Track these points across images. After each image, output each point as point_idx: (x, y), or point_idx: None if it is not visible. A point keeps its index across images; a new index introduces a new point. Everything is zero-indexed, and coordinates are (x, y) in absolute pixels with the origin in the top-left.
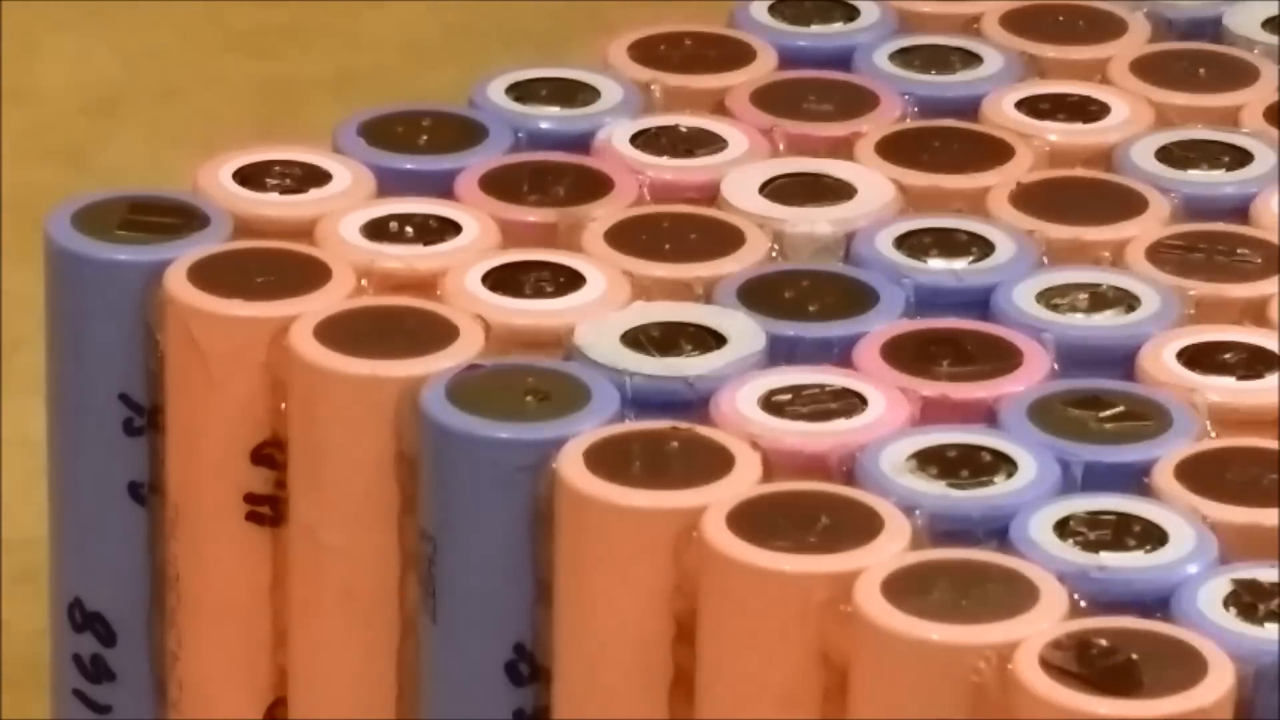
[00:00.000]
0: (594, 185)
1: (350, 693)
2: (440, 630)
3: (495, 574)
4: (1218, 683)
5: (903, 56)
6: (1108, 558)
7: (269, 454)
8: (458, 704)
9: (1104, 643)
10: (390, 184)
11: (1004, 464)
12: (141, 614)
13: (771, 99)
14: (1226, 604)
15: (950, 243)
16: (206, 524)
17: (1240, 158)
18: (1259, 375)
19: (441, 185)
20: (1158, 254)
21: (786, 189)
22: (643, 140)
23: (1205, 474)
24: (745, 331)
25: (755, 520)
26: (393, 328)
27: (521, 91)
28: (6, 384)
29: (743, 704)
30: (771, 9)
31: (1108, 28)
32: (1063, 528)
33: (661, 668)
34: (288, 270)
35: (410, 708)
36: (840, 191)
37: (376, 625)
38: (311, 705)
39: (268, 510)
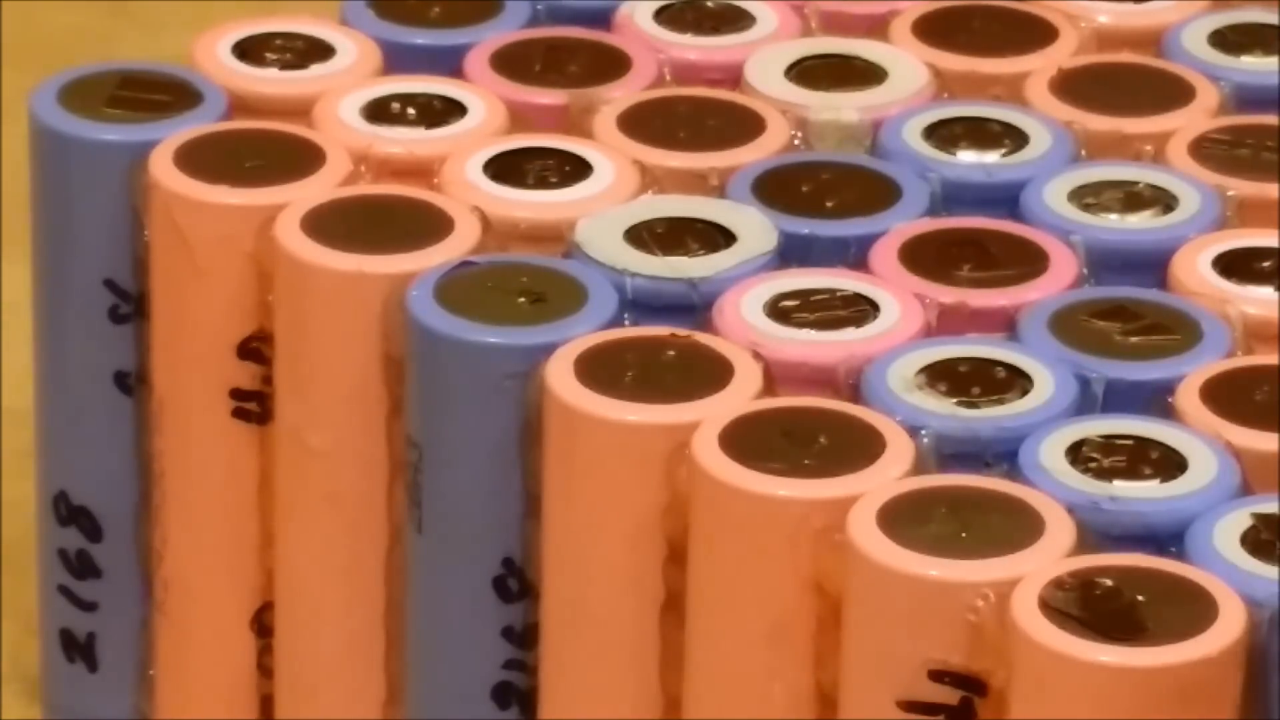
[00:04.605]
0: (611, 64)
1: (336, 601)
2: (426, 542)
3: (483, 485)
4: (1227, 628)
5: None
6: (1121, 487)
7: (256, 348)
8: (444, 619)
9: (1108, 583)
10: (398, 60)
11: (1019, 380)
12: (129, 509)
13: None
14: (1243, 541)
15: (982, 134)
16: (192, 419)
17: None
18: None
19: (451, 62)
20: (1201, 149)
21: (814, 72)
22: (667, 16)
23: (1233, 395)
24: (756, 229)
25: (750, 439)
26: (385, 219)
27: None
28: (6, 382)
29: (732, 633)
30: None
31: None
32: (1075, 452)
33: (652, 590)
34: (280, 153)
35: (398, 619)
36: (870, 75)
37: (363, 533)
38: (297, 613)
39: (255, 407)
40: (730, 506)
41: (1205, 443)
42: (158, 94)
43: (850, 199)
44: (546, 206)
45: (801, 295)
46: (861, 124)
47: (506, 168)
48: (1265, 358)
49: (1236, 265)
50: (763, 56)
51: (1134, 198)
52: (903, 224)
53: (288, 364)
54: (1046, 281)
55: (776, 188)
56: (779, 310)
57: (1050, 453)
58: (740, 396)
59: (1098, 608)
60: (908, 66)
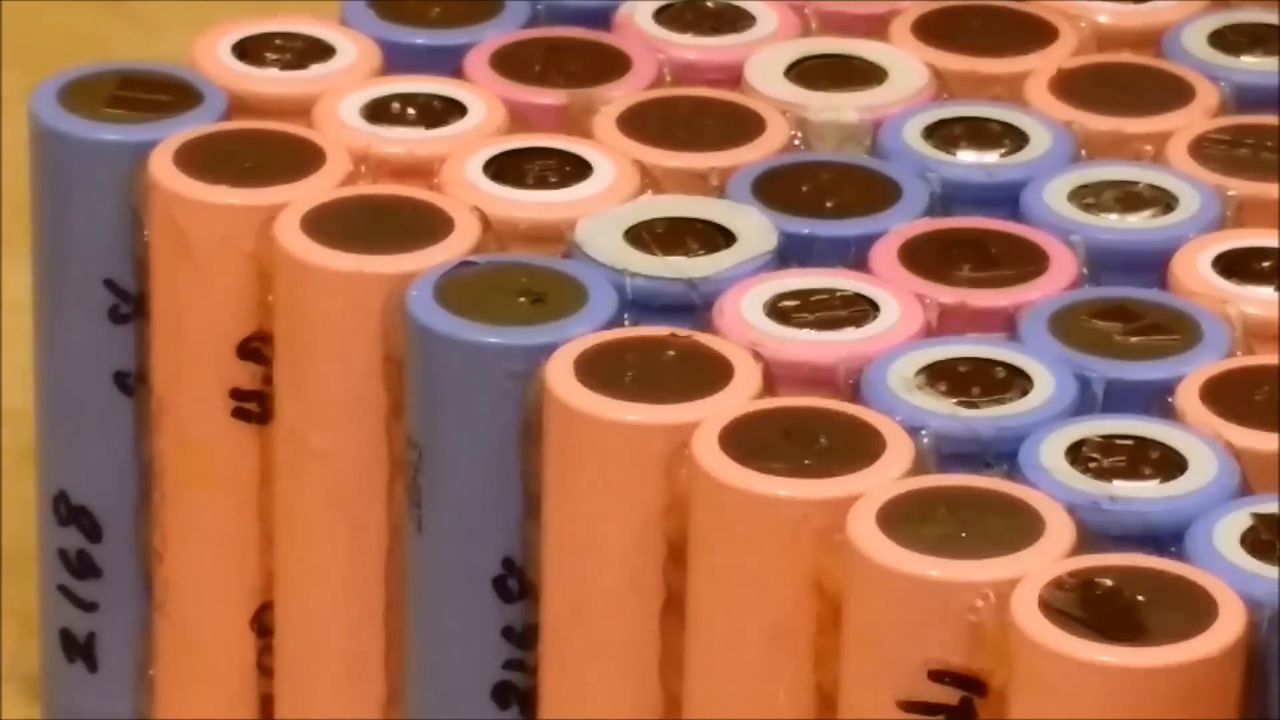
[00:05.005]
0: (611, 64)
1: (336, 601)
2: (426, 542)
3: (483, 485)
4: (1227, 629)
5: None
6: (1121, 487)
7: (256, 348)
8: (444, 619)
9: (1108, 583)
10: (398, 60)
11: (1019, 380)
12: (129, 509)
13: None
14: (1243, 541)
15: (982, 134)
16: (191, 419)
17: None
18: None
19: (451, 62)
20: (1201, 149)
21: (814, 72)
22: (667, 16)
23: (1233, 395)
24: (756, 229)
25: (750, 439)
26: (384, 219)
27: None
28: (6, 382)
29: (732, 633)
30: None
31: None
32: (1075, 453)
33: (652, 590)
34: (280, 154)
35: (398, 619)
36: (870, 75)
37: (363, 533)
38: (297, 613)
39: (255, 407)
40: (730, 506)
41: (1205, 443)
42: (157, 94)
43: (850, 199)
44: (546, 206)
45: (801, 295)
46: (861, 124)
47: (506, 168)
48: (1265, 358)
49: (1236, 265)
50: (763, 56)
51: (1134, 198)
52: (903, 224)
53: (288, 364)
54: (1046, 281)
55: (776, 188)
56: (779, 310)
57: (1050, 453)
58: (740, 396)
59: (1098, 608)
60: (908, 66)
